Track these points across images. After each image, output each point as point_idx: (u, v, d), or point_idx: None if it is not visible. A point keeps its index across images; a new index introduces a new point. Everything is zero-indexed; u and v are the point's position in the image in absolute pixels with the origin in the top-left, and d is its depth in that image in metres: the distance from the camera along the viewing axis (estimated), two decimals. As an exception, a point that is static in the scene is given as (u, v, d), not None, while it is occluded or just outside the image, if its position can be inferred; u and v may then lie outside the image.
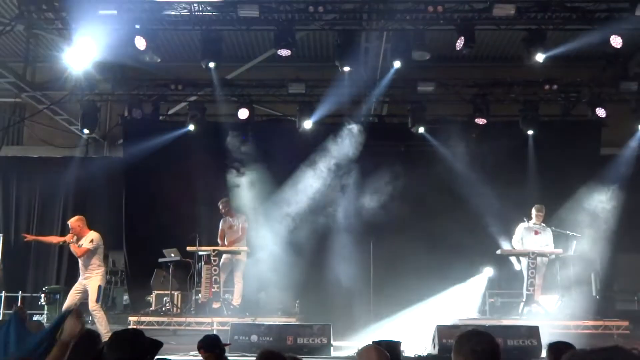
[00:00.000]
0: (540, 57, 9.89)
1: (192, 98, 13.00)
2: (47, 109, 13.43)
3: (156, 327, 9.97)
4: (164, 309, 10.98)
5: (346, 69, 10.40)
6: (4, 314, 12.48)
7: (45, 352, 4.75)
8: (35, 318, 11.97)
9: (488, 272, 11.63)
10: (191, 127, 12.52)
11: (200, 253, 10.78)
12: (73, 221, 8.85)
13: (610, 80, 11.91)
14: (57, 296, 12.51)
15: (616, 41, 9.37)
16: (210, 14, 9.74)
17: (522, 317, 10.06)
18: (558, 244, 10.75)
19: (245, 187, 11.99)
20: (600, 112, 12.04)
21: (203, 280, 10.98)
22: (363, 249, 11.54)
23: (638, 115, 12.32)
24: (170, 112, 13.70)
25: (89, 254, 8.67)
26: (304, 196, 12.08)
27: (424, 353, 8.13)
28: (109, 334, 8.17)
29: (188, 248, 10.76)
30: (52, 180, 14.65)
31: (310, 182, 12.12)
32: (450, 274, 11.66)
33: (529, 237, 10.80)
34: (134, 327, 9.25)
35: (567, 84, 12.34)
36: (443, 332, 8.08)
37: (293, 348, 7.82)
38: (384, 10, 9.90)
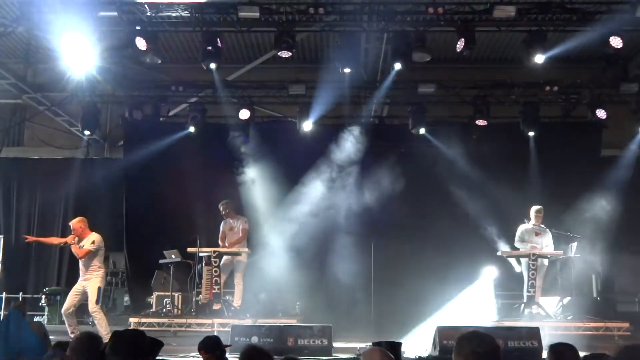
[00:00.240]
0: (540, 59, 9.89)
1: (193, 99, 13.01)
2: (48, 110, 13.44)
3: (157, 328, 9.98)
4: (164, 310, 10.99)
5: (346, 70, 10.40)
6: (4, 315, 12.47)
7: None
8: (36, 319, 11.98)
9: (492, 273, 11.63)
10: (191, 129, 12.53)
11: (200, 254, 10.78)
12: (75, 222, 8.85)
13: (610, 81, 11.92)
14: (58, 297, 12.51)
15: (616, 42, 9.36)
16: (211, 15, 9.73)
17: (523, 319, 10.05)
18: (559, 246, 10.75)
19: (245, 188, 11.99)
20: (601, 114, 12.05)
21: (204, 281, 10.99)
22: (364, 250, 11.55)
23: (638, 116, 12.32)
24: (170, 113, 13.71)
25: (90, 255, 8.67)
26: (305, 197, 12.09)
27: (424, 354, 8.12)
28: (110, 335, 8.21)
29: (189, 249, 10.77)
30: (52, 182, 14.66)
31: (311, 183, 12.13)
32: (451, 275, 11.65)
33: (530, 238, 10.80)
34: (135, 328, 9.25)
35: (567, 86, 12.34)
36: (444, 333, 8.08)
37: (294, 349, 7.82)
38: (384, 12, 9.90)
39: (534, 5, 9.54)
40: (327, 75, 11.62)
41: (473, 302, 10.75)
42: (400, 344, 6.91)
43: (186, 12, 9.74)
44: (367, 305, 11.25)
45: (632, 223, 11.81)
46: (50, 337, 7.11)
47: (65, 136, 14.64)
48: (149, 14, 9.74)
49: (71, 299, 8.69)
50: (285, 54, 9.91)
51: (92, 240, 8.71)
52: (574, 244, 10.58)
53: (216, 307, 10.51)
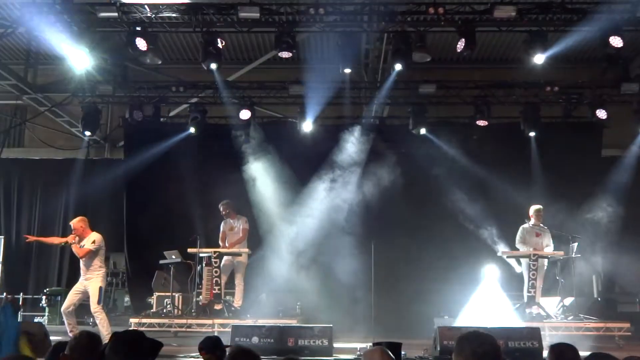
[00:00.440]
0: (541, 59, 9.89)
1: (193, 100, 13.01)
2: (48, 111, 13.46)
3: (157, 328, 9.98)
4: (165, 310, 10.99)
5: (347, 70, 10.39)
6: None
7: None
8: (36, 319, 12.00)
9: (493, 272, 11.62)
10: (192, 130, 12.53)
11: (201, 255, 10.78)
12: (75, 222, 8.83)
13: (611, 81, 11.91)
14: (58, 298, 12.55)
15: (616, 41, 9.34)
16: (211, 15, 9.73)
17: (524, 319, 10.04)
18: (559, 246, 10.74)
19: (245, 188, 11.99)
20: (602, 114, 12.04)
21: (204, 282, 10.98)
22: (364, 251, 11.52)
23: (639, 116, 12.31)
24: (171, 114, 13.72)
25: (91, 254, 8.66)
26: (305, 198, 12.09)
27: (424, 354, 8.11)
28: (109, 336, 8.21)
29: (189, 250, 10.76)
30: (53, 182, 14.70)
31: (312, 183, 12.13)
32: (451, 275, 11.64)
33: (530, 239, 10.79)
34: (135, 328, 9.24)
35: (568, 86, 12.34)
36: (444, 333, 8.07)
37: (294, 349, 7.80)
38: (384, 12, 9.90)
39: (535, 5, 9.54)
40: (328, 75, 11.62)
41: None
42: (401, 344, 6.90)
43: (186, 12, 9.73)
44: (367, 305, 11.21)
45: (633, 223, 11.80)
46: (51, 337, 7.11)
47: (66, 137, 14.67)
48: (149, 15, 9.74)
49: (71, 297, 8.68)
50: (285, 54, 9.90)
51: (92, 239, 8.70)
52: (575, 245, 10.56)
53: (217, 307, 10.50)
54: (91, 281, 8.63)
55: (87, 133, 12.63)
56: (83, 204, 13.67)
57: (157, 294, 11.66)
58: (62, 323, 9.19)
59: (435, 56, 11.00)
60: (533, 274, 10.36)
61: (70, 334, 8.01)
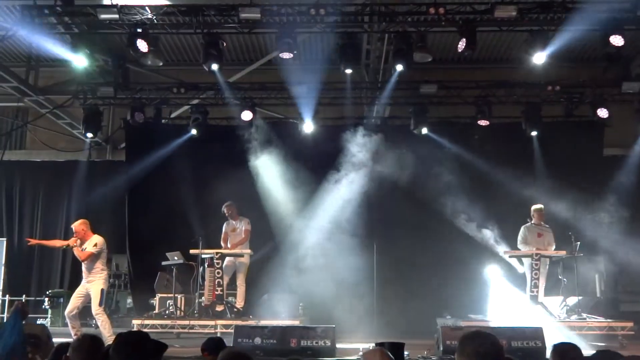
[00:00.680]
0: (542, 59, 9.88)
1: (195, 101, 13.02)
2: (50, 113, 13.47)
3: (160, 330, 9.99)
4: (167, 312, 10.99)
5: (348, 71, 10.39)
6: (7, 318, 12.49)
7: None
8: (39, 322, 11.99)
9: (495, 272, 11.63)
10: (194, 132, 12.54)
11: (203, 256, 10.78)
12: (77, 225, 8.83)
13: (612, 81, 11.90)
14: (61, 300, 12.56)
15: (617, 40, 9.33)
16: (212, 17, 9.74)
17: (526, 319, 10.02)
18: (562, 245, 10.73)
19: (247, 190, 11.98)
20: (603, 113, 12.03)
21: (206, 283, 10.98)
22: (367, 251, 11.54)
23: (641, 115, 12.32)
24: (172, 115, 13.73)
25: (93, 257, 8.66)
26: (307, 198, 12.10)
27: (427, 355, 8.11)
28: (113, 337, 8.21)
29: (191, 251, 10.77)
30: (55, 185, 14.73)
31: (313, 184, 12.13)
32: (454, 275, 11.67)
33: (533, 238, 10.79)
34: (138, 330, 9.24)
35: (569, 85, 12.32)
36: (447, 333, 8.07)
37: (297, 350, 7.80)
38: (385, 13, 9.90)
39: (535, 4, 9.53)
40: (329, 76, 11.61)
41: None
42: (403, 344, 6.88)
43: (187, 14, 9.74)
44: (370, 305, 11.24)
45: (636, 222, 11.78)
46: (54, 339, 7.12)
47: (68, 139, 14.68)
48: (150, 16, 9.74)
49: (74, 301, 8.68)
50: (286, 55, 9.90)
51: (94, 242, 8.70)
52: (577, 244, 10.55)
53: (219, 308, 10.51)
54: (93, 284, 8.64)
55: (89, 135, 12.63)
56: (85, 206, 13.66)
57: (160, 295, 11.67)
58: (65, 325, 9.21)
59: (436, 56, 10.99)
60: (535, 274, 10.35)
61: (75, 337, 8.01)
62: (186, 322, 10.18)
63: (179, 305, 11.07)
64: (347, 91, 12.30)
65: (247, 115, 12.27)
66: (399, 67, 10.09)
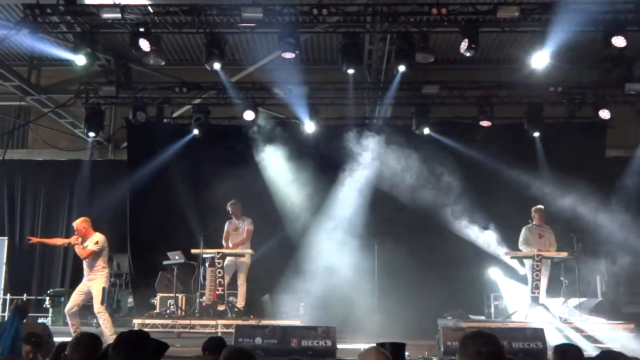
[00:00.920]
0: (544, 60, 9.87)
1: (197, 101, 13.02)
2: (52, 112, 13.49)
3: (160, 329, 9.99)
4: (168, 311, 10.99)
5: (350, 71, 10.39)
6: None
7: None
8: (40, 320, 12.01)
9: (495, 273, 11.64)
10: (196, 131, 12.54)
11: (204, 255, 10.79)
12: (78, 223, 8.83)
13: (615, 82, 11.89)
14: (62, 299, 12.56)
15: (618, 41, 9.31)
16: (214, 16, 9.74)
17: (527, 320, 10.02)
18: (563, 246, 10.72)
19: (249, 189, 11.99)
20: (605, 114, 12.02)
21: (207, 282, 11.00)
22: (368, 251, 11.54)
23: (643, 117, 12.30)
24: (174, 115, 13.72)
25: (94, 255, 8.66)
26: (308, 199, 12.09)
27: (428, 355, 8.11)
28: (113, 337, 8.21)
29: (192, 250, 10.77)
30: (56, 184, 14.75)
31: (315, 184, 12.13)
32: (455, 276, 11.66)
33: (534, 239, 10.78)
34: (139, 329, 9.24)
35: (571, 86, 12.31)
36: (448, 334, 8.07)
37: (297, 350, 7.80)
38: (387, 13, 9.88)
39: (538, 5, 9.52)
40: (331, 76, 11.60)
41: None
42: (404, 345, 6.89)
43: (189, 13, 9.74)
44: (371, 306, 11.23)
45: (637, 223, 11.76)
46: (55, 338, 7.11)
47: (69, 138, 14.70)
48: (152, 16, 9.75)
49: (75, 298, 8.68)
50: (289, 55, 9.90)
51: (95, 240, 8.70)
52: (579, 245, 10.54)
53: (220, 308, 10.51)
54: (94, 282, 8.64)
55: (91, 134, 12.64)
56: (86, 205, 13.68)
57: (161, 294, 11.67)
58: (66, 324, 9.21)
59: (439, 57, 10.98)
60: (537, 275, 10.34)
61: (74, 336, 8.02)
62: (187, 322, 10.18)
63: (179, 304, 11.07)
64: (349, 91, 12.29)
65: (249, 115, 12.26)
66: (401, 68, 10.08)
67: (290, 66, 10.46)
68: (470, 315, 11.01)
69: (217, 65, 10.08)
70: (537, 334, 8.19)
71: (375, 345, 5.11)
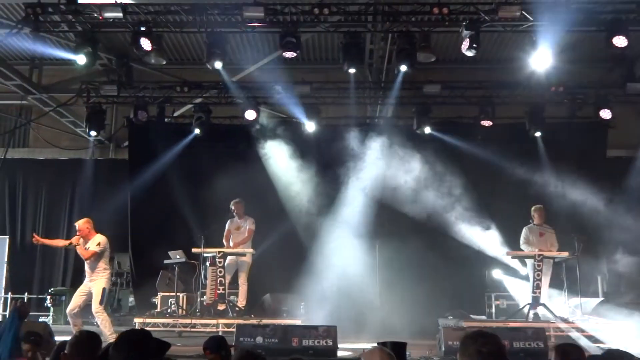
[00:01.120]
0: (545, 59, 9.85)
1: (198, 100, 13.02)
2: (53, 111, 13.48)
3: (161, 328, 9.99)
4: (169, 310, 11.00)
5: (351, 71, 10.38)
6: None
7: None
8: (41, 319, 12.02)
9: (496, 273, 11.64)
10: (197, 131, 12.54)
11: (205, 254, 10.79)
12: (81, 223, 8.81)
13: (616, 82, 11.87)
14: (63, 298, 12.57)
15: (620, 41, 9.30)
16: (215, 16, 9.74)
17: (529, 320, 10.02)
18: (564, 246, 10.72)
19: (249, 188, 11.99)
20: (606, 114, 12.01)
21: (208, 281, 11.00)
22: (369, 251, 11.54)
23: (645, 116, 12.29)
24: (175, 114, 13.72)
25: (96, 256, 8.65)
26: (310, 198, 12.09)
27: (429, 355, 8.11)
28: (113, 336, 8.22)
29: (193, 250, 10.78)
30: (58, 183, 14.75)
31: (316, 184, 12.13)
32: (456, 275, 11.66)
33: (535, 239, 10.78)
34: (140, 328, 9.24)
35: (573, 86, 12.30)
36: (449, 334, 8.07)
37: (298, 350, 7.80)
38: (388, 12, 9.88)
39: (540, 5, 9.50)
40: (332, 75, 11.59)
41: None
42: (406, 344, 6.88)
43: (191, 12, 9.74)
44: (372, 305, 11.23)
45: (638, 223, 11.75)
46: (56, 337, 7.12)
47: (71, 137, 14.71)
48: (153, 15, 9.75)
49: (76, 299, 8.68)
50: (290, 54, 9.90)
51: (97, 241, 8.69)
52: (580, 245, 10.53)
53: (221, 307, 10.52)
54: (95, 282, 8.64)
55: (92, 133, 12.64)
56: (87, 204, 13.70)
57: (162, 293, 11.68)
58: (67, 323, 9.21)
59: (440, 56, 10.96)
60: (538, 275, 10.34)
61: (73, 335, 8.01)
62: (188, 321, 10.19)
63: (180, 303, 11.08)
64: (350, 91, 12.28)
65: (250, 115, 12.27)
66: (403, 68, 10.07)
67: (291, 65, 10.47)
68: (471, 315, 11.01)
69: (218, 65, 10.08)
70: (538, 334, 8.19)
71: (377, 345, 5.12)
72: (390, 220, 12.08)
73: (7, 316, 6.01)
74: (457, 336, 7.66)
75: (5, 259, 13.89)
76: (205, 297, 10.90)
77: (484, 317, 11.15)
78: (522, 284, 11.19)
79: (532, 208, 10.88)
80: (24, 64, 13.59)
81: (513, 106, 12.62)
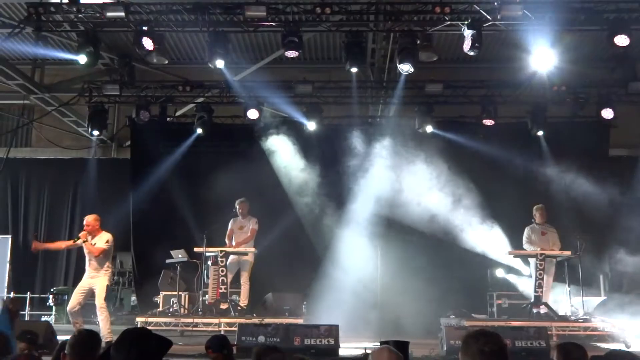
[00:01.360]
0: (549, 59, 9.85)
1: (200, 99, 13.03)
2: (56, 110, 13.49)
3: (164, 327, 9.99)
4: (171, 309, 11.00)
5: (353, 70, 10.38)
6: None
7: None
8: (43, 318, 12.05)
9: (499, 272, 11.63)
10: (199, 130, 12.55)
11: (207, 254, 10.79)
12: (90, 219, 8.75)
13: (619, 81, 11.86)
14: (65, 297, 12.57)
15: (621, 40, 9.28)
16: (217, 15, 9.74)
17: (531, 318, 10.01)
18: (567, 245, 10.71)
19: (251, 187, 11.99)
20: (608, 114, 12.00)
21: (210, 281, 11.00)
22: (371, 250, 11.53)
23: (647, 116, 12.28)
24: (177, 113, 13.74)
25: (105, 253, 8.67)
26: (311, 198, 12.09)
27: (431, 354, 8.11)
28: (110, 334, 8.25)
29: (195, 249, 10.78)
30: (60, 182, 14.78)
31: (318, 184, 12.13)
32: (458, 275, 11.65)
33: (537, 238, 10.77)
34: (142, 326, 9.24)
35: (575, 85, 12.29)
36: (451, 333, 8.07)
37: (300, 349, 7.81)
38: (390, 12, 9.88)
39: (542, 4, 9.50)
40: (334, 74, 11.59)
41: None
42: (408, 343, 6.88)
43: (193, 12, 9.75)
44: (374, 304, 11.23)
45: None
46: (58, 336, 7.15)
47: (73, 137, 14.73)
48: (155, 14, 9.75)
49: (76, 296, 8.66)
50: (292, 53, 9.90)
51: (105, 239, 8.69)
52: (582, 244, 10.53)
53: (223, 306, 10.51)
54: (98, 279, 8.64)
55: (94, 133, 12.65)
56: (90, 203, 13.70)
57: (164, 293, 11.67)
58: (69, 322, 9.21)
59: (442, 55, 10.95)
60: (540, 274, 10.33)
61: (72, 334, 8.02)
62: (190, 320, 10.18)
63: (182, 303, 11.08)
64: (352, 90, 12.29)
65: (252, 114, 12.28)
66: (405, 67, 10.06)
67: (293, 65, 10.47)
68: (473, 314, 11.00)
69: (220, 64, 10.08)
70: (540, 333, 8.18)
71: (385, 344, 5.12)
72: (392, 219, 12.07)
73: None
74: (459, 335, 7.66)
75: (8, 259, 13.91)
76: (207, 296, 10.89)
77: (485, 316, 11.14)
78: (529, 282, 11.19)
79: (534, 207, 10.89)
80: (26, 64, 13.60)
81: (515, 105, 12.61)
